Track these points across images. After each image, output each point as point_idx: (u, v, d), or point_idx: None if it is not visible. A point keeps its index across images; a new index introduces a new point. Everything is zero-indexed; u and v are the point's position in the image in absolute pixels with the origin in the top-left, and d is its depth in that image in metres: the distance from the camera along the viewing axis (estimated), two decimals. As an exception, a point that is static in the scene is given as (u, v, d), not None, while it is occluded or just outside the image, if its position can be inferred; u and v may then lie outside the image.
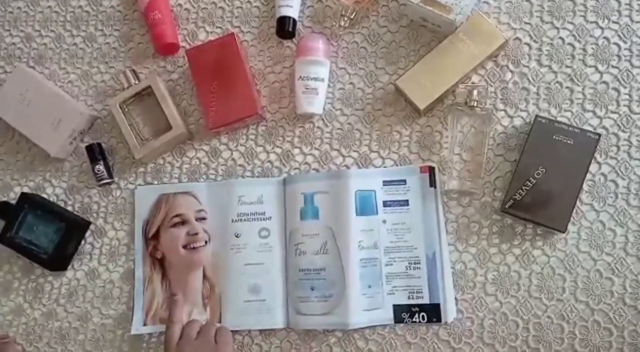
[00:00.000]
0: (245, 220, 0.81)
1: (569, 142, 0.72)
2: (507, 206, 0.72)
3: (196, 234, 0.81)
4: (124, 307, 0.84)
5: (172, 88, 0.87)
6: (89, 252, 0.86)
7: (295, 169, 0.83)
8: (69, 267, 0.86)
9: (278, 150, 0.84)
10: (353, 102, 0.82)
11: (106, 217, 0.87)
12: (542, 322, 0.72)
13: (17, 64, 0.91)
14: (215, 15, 0.88)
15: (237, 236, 0.80)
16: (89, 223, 0.87)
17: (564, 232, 0.72)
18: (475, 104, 0.76)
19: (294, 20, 0.83)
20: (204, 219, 0.82)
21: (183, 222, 0.82)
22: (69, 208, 0.87)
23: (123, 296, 0.84)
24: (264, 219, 0.80)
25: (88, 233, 0.87)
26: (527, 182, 0.72)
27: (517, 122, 0.77)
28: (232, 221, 0.81)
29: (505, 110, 0.78)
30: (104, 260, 0.86)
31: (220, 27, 0.88)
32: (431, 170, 0.78)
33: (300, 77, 0.81)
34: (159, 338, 0.82)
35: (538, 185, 0.71)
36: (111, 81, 0.90)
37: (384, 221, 0.77)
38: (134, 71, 0.86)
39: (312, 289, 0.76)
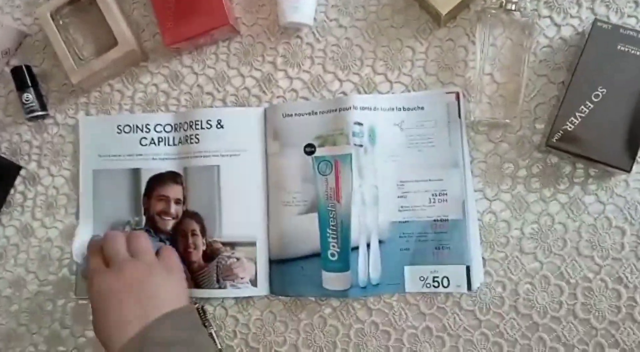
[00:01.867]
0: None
1: (639, 53, 0.55)
2: (554, 139, 0.55)
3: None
4: (66, 271, 0.67)
5: (119, -6, 0.68)
6: (20, 203, 0.69)
7: (278, 97, 0.65)
8: (-5, 222, 0.69)
9: (257, 74, 0.66)
10: (352, 10, 0.64)
11: (40, 160, 0.69)
12: (594, 286, 0.57)
13: None
14: None
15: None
16: (19, 168, 0.69)
17: (628, 172, 0.55)
18: (513, 8, 0.58)
19: None
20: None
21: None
22: (-6, 149, 0.70)
23: (64, 257, 0.67)
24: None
25: (18, 180, 0.69)
26: (582, 107, 0.55)
27: (567, 32, 0.60)
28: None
29: (550, 17, 0.60)
30: (39, 214, 0.68)
31: None
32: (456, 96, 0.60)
33: (284, -26, 0.62)
34: (110, 309, 0.66)
35: (596, 111, 0.55)
36: (43, -13, 0.70)
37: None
38: (69, -29, 0.67)
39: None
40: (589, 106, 0.55)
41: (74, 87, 0.67)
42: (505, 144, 0.60)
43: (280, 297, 0.62)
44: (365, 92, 0.63)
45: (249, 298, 0.63)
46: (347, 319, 0.61)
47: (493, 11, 0.59)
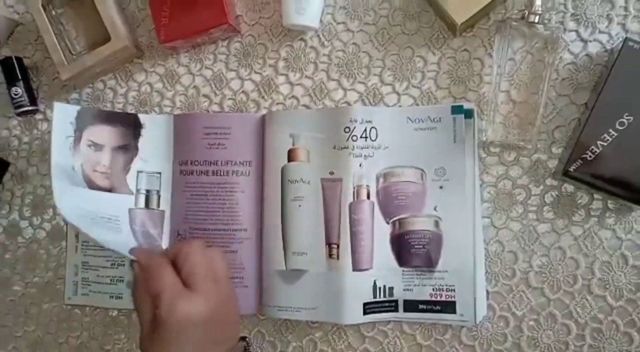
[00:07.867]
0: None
1: (672, 79, 0.49)
2: (571, 169, 0.50)
3: None
4: (52, 275, 0.65)
5: (115, -15, 0.64)
6: (8, 201, 0.66)
7: (278, 104, 0.61)
8: (-18, 220, 0.66)
9: (256, 78, 0.62)
10: (362, 14, 0.59)
11: (29, 158, 0.66)
12: (604, 329, 0.53)
13: None
14: None
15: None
16: (7, 164, 0.66)
17: (651, 209, 0.50)
18: (536, 20, 0.53)
19: None
20: None
21: None
22: (-18, 143, 0.67)
23: (51, 260, 0.65)
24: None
25: (7, 177, 0.67)
26: (605, 135, 0.50)
27: (594, 48, 0.54)
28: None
29: (577, 31, 0.55)
30: (27, 212, 0.66)
31: None
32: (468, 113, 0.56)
33: (289, -28, 0.57)
34: (93, 316, 0.63)
35: (620, 140, 0.50)
36: (38, -26, 0.67)
37: (396, 181, 0.56)
38: (63, -41, 0.63)
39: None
40: (613, 134, 0.50)
41: (65, 82, 0.64)
42: (519, 168, 0.55)
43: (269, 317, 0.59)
44: (371, 104, 0.59)
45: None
46: (338, 344, 0.58)
47: (514, 22, 0.54)
